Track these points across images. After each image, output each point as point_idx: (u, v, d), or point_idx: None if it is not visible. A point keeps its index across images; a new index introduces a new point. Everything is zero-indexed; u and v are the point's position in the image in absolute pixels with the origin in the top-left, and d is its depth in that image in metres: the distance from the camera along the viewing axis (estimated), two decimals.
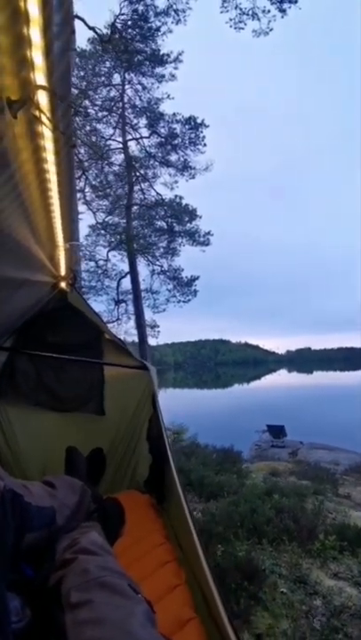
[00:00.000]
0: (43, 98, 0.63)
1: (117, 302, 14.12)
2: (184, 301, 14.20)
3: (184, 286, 14.07)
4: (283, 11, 9.62)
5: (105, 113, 12.95)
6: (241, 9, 9.91)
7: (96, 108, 12.56)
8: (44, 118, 0.67)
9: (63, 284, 2.08)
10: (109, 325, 7.91)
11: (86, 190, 12.68)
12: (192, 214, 13.69)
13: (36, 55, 0.55)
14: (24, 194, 0.87)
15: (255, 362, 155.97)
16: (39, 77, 0.59)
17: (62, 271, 1.93)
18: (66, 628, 0.78)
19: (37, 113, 0.65)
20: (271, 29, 10.14)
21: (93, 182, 13.01)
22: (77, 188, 11.22)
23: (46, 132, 0.72)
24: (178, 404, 25.97)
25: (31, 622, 0.90)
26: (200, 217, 13.78)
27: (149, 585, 1.33)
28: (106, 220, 13.58)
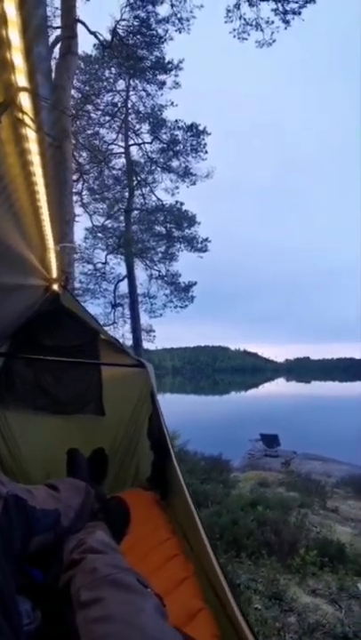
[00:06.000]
0: (25, 100, 0.63)
1: (114, 306, 14.13)
2: (181, 307, 14.23)
3: (181, 292, 14.10)
4: (286, 22, 9.71)
5: (108, 118, 13.05)
6: (245, 19, 10.01)
7: (99, 113, 12.65)
8: (27, 120, 0.67)
9: (55, 287, 2.07)
10: (105, 329, 7.84)
11: (83, 193, 12.74)
12: (191, 220, 13.75)
13: (16, 57, 0.55)
14: (12, 197, 0.88)
15: (253, 369, 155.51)
16: (20, 79, 0.59)
17: (54, 273, 1.92)
18: (77, 627, 0.78)
19: (21, 115, 0.66)
20: (274, 40, 10.22)
21: (92, 185, 13.07)
22: (75, 190, 11.25)
23: (30, 134, 0.72)
24: (173, 409, 25.83)
25: (42, 624, 0.92)
26: (199, 223, 13.85)
27: (158, 579, 1.33)
28: (105, 223, 13.63)
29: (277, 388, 72.51)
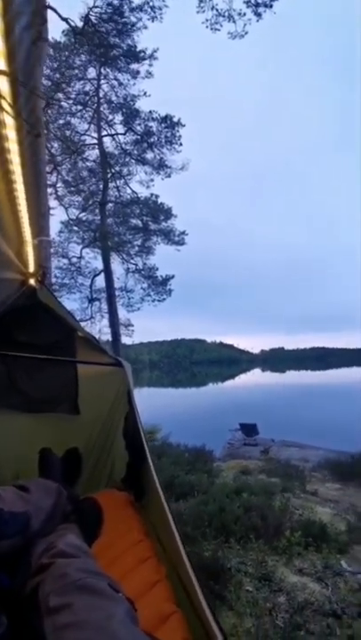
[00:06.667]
0: (3, 83, 0.60)
1: (91, 300, 13.91)
2: (159, 300, 14.19)
3: (159, 285, 14.05)
4: (258, 14, 9.76)
5: (79, 107, 12.69)
6: (217, 10, 9.98)
7: (70, 102, 12.28)
8: (5, 105, 0.64)
9: (32, 281, 2.00)
10: (82, 324, 7.76)
11: (58, 185, 12.40)
12: (168, 213, 13.67)
13: None
14: None
15: (230, 361, 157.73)
16: None
17: (31, 267, 1.85)
18: (45, 633, 0.76)
19: None
20: (247, 32, 10.26)
21: (66, 177, 12.73)
22: (49, 182, 10.93)
23: (8, 120, 0.69)
24: (152, 403, 25.88)
25: (8, 631, 0.88)
26: (176, 216, 13.80)
27: (130, 582, 1.32)
28: (79, 216, 13.33)
29: (253, 378, 73.87)
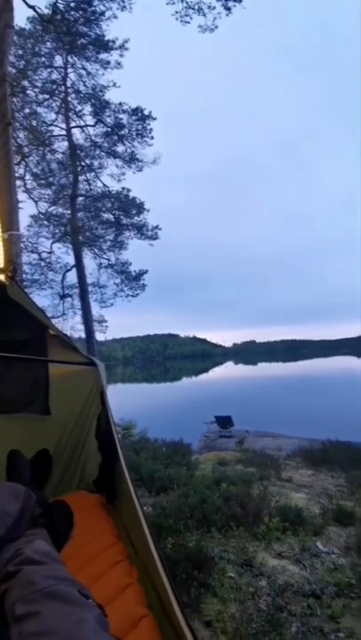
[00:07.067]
0: None
1: (63, 297, 13.59)
2: (132, 295, 14.06)
3: (132, 280, 13.92)
4: (228, 9, 9.75)
5: (46, 96, 12.26)
6: (187, 2, 9.90)
7: (36, 90, 11.84)
8: None
9: (2, 277, 1.93)
10: (54, 321, 7.56)
11: (27, 178, 11.98)
12: (140, 207, 13.53)
13: None
14: None
15: (203, 355, 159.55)
16: None
17: (0, 263, 1.79)
18: None
19: None
20: (217, 26, 10.24)
21: (35, 170, 12.31)
22: (17, 174, 10.53)
23: None
24: (127, 399, 25.74)
25: None
26: (148, 210, 13.68)
27: (101, 587, 1.31)
28: (49, 210, 12.95)
29: (227, 371, 75.08)
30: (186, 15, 10.24)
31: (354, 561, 2.81)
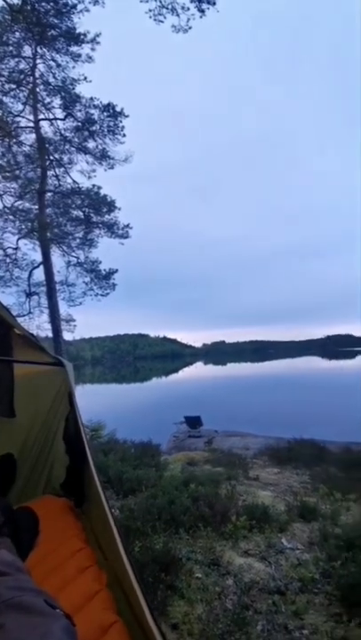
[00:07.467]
0: None
1: (29, 294, 13.13)
2: (102, 295, 13.80)
3: (102, 279, 13.67)
4: (201, 11, 9.80)
5: (13, 86, 11.79)
6: (161, 1, 9.86)
7: (2, 79, 11.36)
8: None
9: None
10: (20, 319, 7.26)
11: None
12: (111, 205, 13.30)
13: None
14: None
15: (173, 355, 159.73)
16: None
17: None
18: None
19: None
20: (190, 27, 10.28)
21: (0, 162, 11.81)
22: None
23: None
24: (96, 400, 25.30)
25: None
26: (119, 209, 13.48)
27: (69, 594, 1.28)
28: (15, 204, 12.45)
29: (196, 371, 75.57)
30: (160, 14, 10.21)
31: (317, 555, 2.90)
